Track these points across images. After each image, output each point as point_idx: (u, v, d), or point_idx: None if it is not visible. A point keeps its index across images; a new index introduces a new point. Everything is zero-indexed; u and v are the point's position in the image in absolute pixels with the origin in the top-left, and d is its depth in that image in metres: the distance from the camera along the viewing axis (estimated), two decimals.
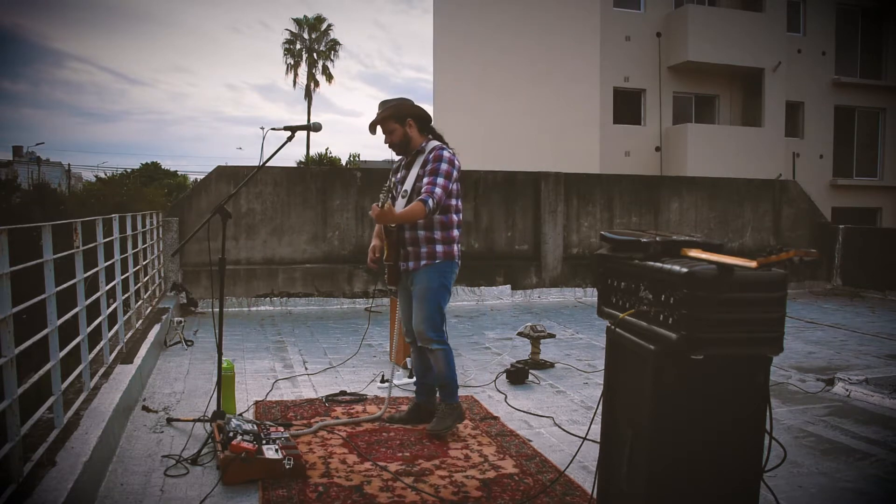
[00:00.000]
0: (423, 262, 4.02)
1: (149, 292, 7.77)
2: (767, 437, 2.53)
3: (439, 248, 4.03)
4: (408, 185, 4.05)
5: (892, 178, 20.59)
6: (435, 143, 4.12)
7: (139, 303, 6.98)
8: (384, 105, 4.11)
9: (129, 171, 38.87)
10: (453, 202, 4.05)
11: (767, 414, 2.50)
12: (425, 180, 3.93)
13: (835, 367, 6.01)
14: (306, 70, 44.45)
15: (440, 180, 3.91)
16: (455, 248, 4.11)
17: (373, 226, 4.76)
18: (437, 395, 4.27)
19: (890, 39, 20.36)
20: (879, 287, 11.14)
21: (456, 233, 4.11)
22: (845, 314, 9.35)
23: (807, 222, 12.38)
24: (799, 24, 19.48)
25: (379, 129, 4.12)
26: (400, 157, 4.28)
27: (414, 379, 5.29)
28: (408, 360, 5.24)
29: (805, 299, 10.71)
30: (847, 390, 5.18)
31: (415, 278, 4.05)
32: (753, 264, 2.31)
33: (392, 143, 4.12)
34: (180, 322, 6.92)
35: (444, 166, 3.95)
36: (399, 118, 4.06)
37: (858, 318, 9.04)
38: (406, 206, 3.94)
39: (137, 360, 5.14)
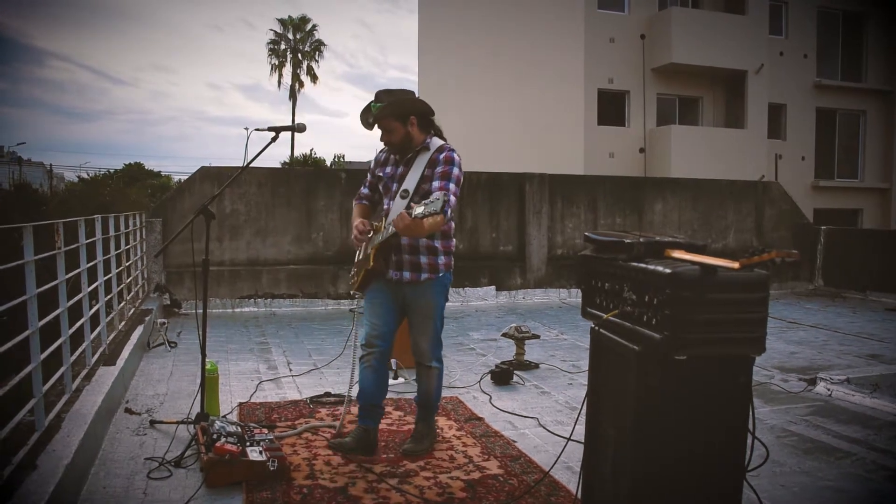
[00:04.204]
0: (424, 276, 3.69)
1: (132, 294, 7.72)
2: (750, 437, 2.55)
3: (441, 259, 3.73)
4: (409, 185, 3.66)
5: (872, 180, 20.85)
6: (439, 142, 3.73)
7: (122, 304, 6.92)
8: (384, 97, 3.65)
9: (111, 171, 38.50)
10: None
11: (750, 414, 2.52)
12: (436, 184, 3.59)
13: (816, 367, 6.06)
14: (291, 70, 44.39)
15: (453, 186, 3.58)
16: (452, 258, 3.85)
17: None
18: (416, 412, 3.98)
19: (870, 42, 20.62)
20: (860, 287, 11.25)
21: (454, 242, 3.86)
22: (827, 314, 9.44)
23: (789, 223, 12.48)
24: (781, 27, 19.67)
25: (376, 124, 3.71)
26: (385, 149, 3.87)
27: (400, 380, 5.30)
28: (393, 361, 4.96)
29: (787, 300, 10.81)
30: (829, 390, 5.23)
31: (413, 293, 3.72)
32: (736, 265, 2.33)
33: (390, 143, 3.71)
34: (164, 323, 6.87)
35: (455, 171, 3.62)
36: (401, 116, 3.62)
37: (840, 318, 9.13)
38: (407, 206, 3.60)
39: (120, 361, 5.09)
